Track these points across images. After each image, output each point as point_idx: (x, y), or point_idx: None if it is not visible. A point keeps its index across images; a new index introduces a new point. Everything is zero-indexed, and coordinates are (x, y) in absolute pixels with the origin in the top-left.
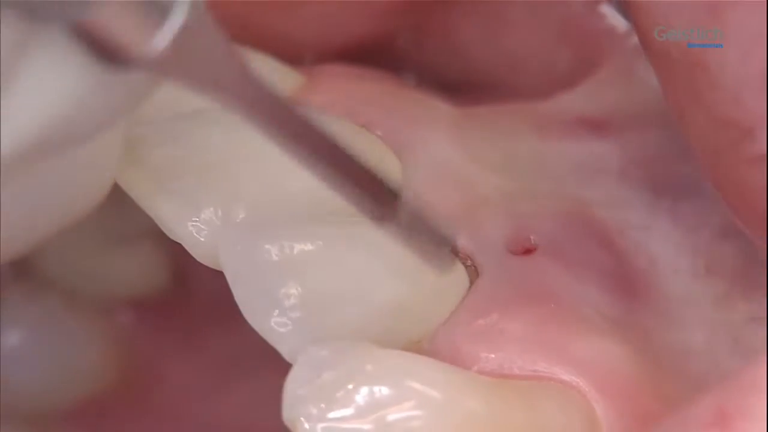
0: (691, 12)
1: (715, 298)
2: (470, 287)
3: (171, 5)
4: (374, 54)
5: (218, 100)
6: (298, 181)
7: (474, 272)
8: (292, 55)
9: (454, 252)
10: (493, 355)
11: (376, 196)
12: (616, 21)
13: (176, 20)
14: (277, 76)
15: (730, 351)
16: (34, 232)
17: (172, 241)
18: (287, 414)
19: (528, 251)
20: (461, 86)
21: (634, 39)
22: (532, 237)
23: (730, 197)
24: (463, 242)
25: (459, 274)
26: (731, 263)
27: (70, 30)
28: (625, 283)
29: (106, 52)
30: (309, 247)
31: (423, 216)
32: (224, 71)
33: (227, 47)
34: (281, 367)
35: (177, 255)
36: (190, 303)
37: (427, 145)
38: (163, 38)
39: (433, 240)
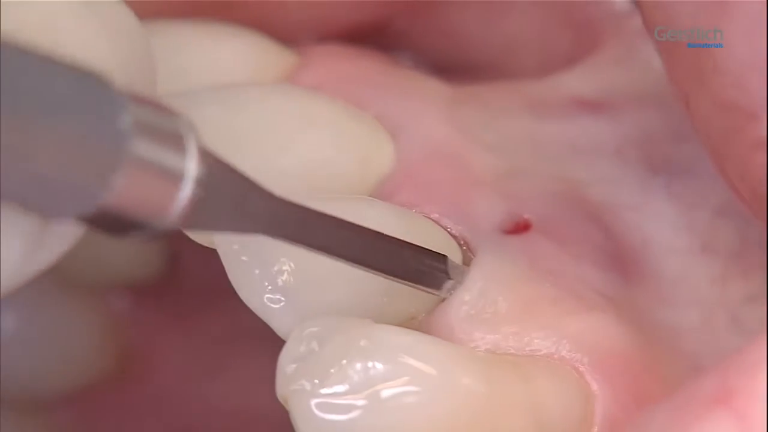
0: None
1: (711, 277)
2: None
3: (181, 165)
4: (371, 35)
5: (252, 232)
6: (293, 158)
7: (468, 254)
8: (290, 36)
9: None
10: (488, 336)
11: (429, 267)
12: (618, 3)
13: (188, 182)
14: (270, 55)
15: (728, 330)
16: None
17: None
18: (280, 390)
19: (522, 229)
20: (457, 66)
21: (635, 21)
22: (526, 215)
23: (732, 180)
24: (457, 223)
25: (452, 251)
26: (728, 242)
27: (82, 219)
28: (620, 262)
29: (121, 227)
30: None
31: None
32: (250, 205)
33: (246, 180)
34: (276, 348)
35: (171, 238)
36: (185, 286)
37: (420, 125)
38: (180, 202)
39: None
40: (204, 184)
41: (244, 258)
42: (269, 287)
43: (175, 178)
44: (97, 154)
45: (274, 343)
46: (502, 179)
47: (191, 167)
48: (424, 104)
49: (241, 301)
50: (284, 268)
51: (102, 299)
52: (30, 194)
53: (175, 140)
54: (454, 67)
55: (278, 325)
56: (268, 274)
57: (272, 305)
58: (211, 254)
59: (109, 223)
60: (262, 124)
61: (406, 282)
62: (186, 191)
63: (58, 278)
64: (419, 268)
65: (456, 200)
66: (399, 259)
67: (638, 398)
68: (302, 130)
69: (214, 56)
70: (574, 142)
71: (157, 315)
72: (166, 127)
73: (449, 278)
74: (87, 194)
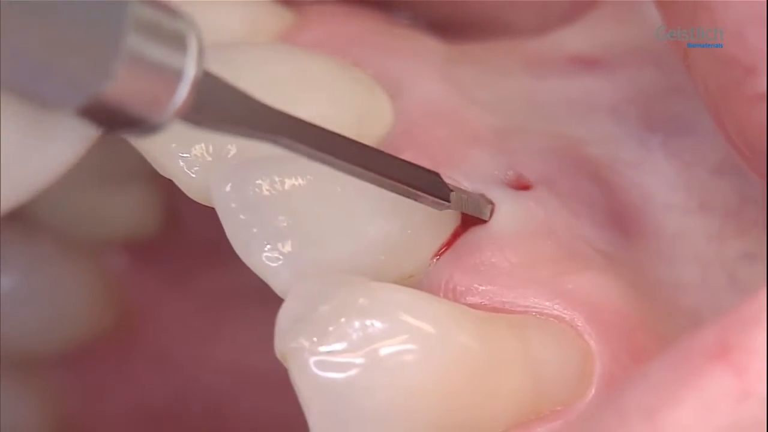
0: None
1: (708, 234)
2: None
3: (178, 64)
4: None
5: (242, 135)
6: None
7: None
8: None
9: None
10: (485, 289)
11: (426, 183)
12: None
13: (186, 81)
14: (267, 15)
15: (726, 287)
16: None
17: (164, 181)
18: (279, 348)
19: (522, 186)
20: (454, 24)
21: None
22: (525, 173)
23: (730, 135)
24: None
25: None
26: (725, 200)
27: (78, 111)
28: (618, 219)
29: (117, 122)
30: (300, 181)
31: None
32: (247, 111)
33: (238, 90)
34: (275, 306)
35: (169, 196)
36: (182, 244)
37: (418, 83)
38: (178, 99)
39: (475, 201)
40: (200, 84)
41: (242, 216)
42: (267, 245)
43: (173, 76)
44: (97, 47)
45: (273, 301)
46: (501, 137)
47: (190, 66)
48: (421, 63)
49: (239, 259)
50: (283, 226)
51: (100, 258)
52: (30, 83)
53: (176, 39)
54: (452, 26)
55: (276, 284)
56: (266, 233)
57: (270, 263)
58: (209, 212)
59: (105, 116)
60: (260, 84)
61: (408, 190)
62: (183, 90)
63: (56, 237)
64: (415, 180)
65: (456, 158)
66: (393, 168)
67: (636, 356)
68: (300, 88)
69: (211, 16)
70: (571, 99)
71: (156, 273)
72: (168, 24)
73: (450, 190)
74: (85, 85)
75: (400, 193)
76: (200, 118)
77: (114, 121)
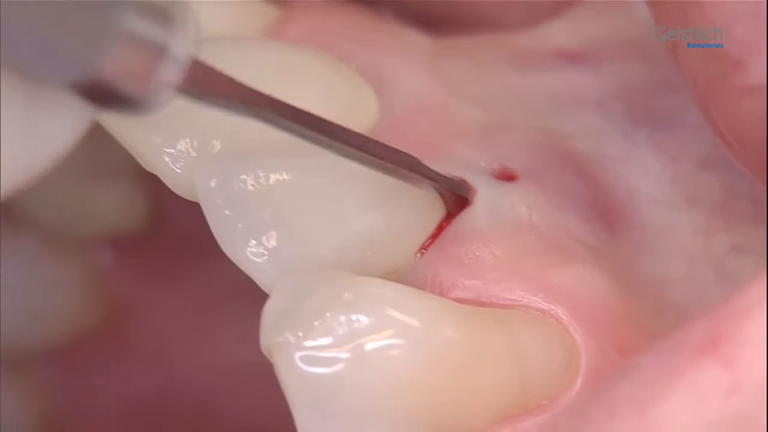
0: None
1: (695, 228)
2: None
3: (171, 42)
4: None
5: (246, 113)
6: None
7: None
8: None
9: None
10: (471, 283)
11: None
12: None
13: (180, 57)
14: (252, 10)
15: (713, 281)
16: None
17: (150, 177)
18: (265, 342)
19: (508, 178)
20: (440, 19)
21: None
22: (511, 167)
23: (720, 129)
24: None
25: (434, 201)
26: (712, 193)
27: (70, 86)
28: (604, 213)
29: (110, 99)
30: (285, 176)
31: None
32: (239, 91)
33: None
34: (261, 302)
35: (154, 191)
36: (169, 239)
37: (403, 78)
38: (169, 76)
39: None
40: (193, 65)
41: (227, 212)
42: (252, 241)
43: (166, 53)
44: (94, 23)
45: (261, 296)
46: (487, 132)
47: (183, 45)
48: (407, 58)
49: (225, 255)
50: (267, 221)
51: (86, 254)
52: (27, 58)
53: (171, 19)
54: (438, 20)
55: (262, 279)
56: (252, 228)
57: (255, 259)
58: (195, 207)
59: (99, 93)
60: (245, 78)
61: (396, 169)
62: (176, 67)
63: (42, 233)
64: (400, 162)
65: (441, 152)
66: (377, 147)
67: (622, 350)
68: (285, 83)
69: (194, 11)
70: (557, 94)
71: (143, 269)
72: (163, 5)
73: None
74: (81, 61)
75: (386, 173)
76: (193, 93)
77: (108, 98)
